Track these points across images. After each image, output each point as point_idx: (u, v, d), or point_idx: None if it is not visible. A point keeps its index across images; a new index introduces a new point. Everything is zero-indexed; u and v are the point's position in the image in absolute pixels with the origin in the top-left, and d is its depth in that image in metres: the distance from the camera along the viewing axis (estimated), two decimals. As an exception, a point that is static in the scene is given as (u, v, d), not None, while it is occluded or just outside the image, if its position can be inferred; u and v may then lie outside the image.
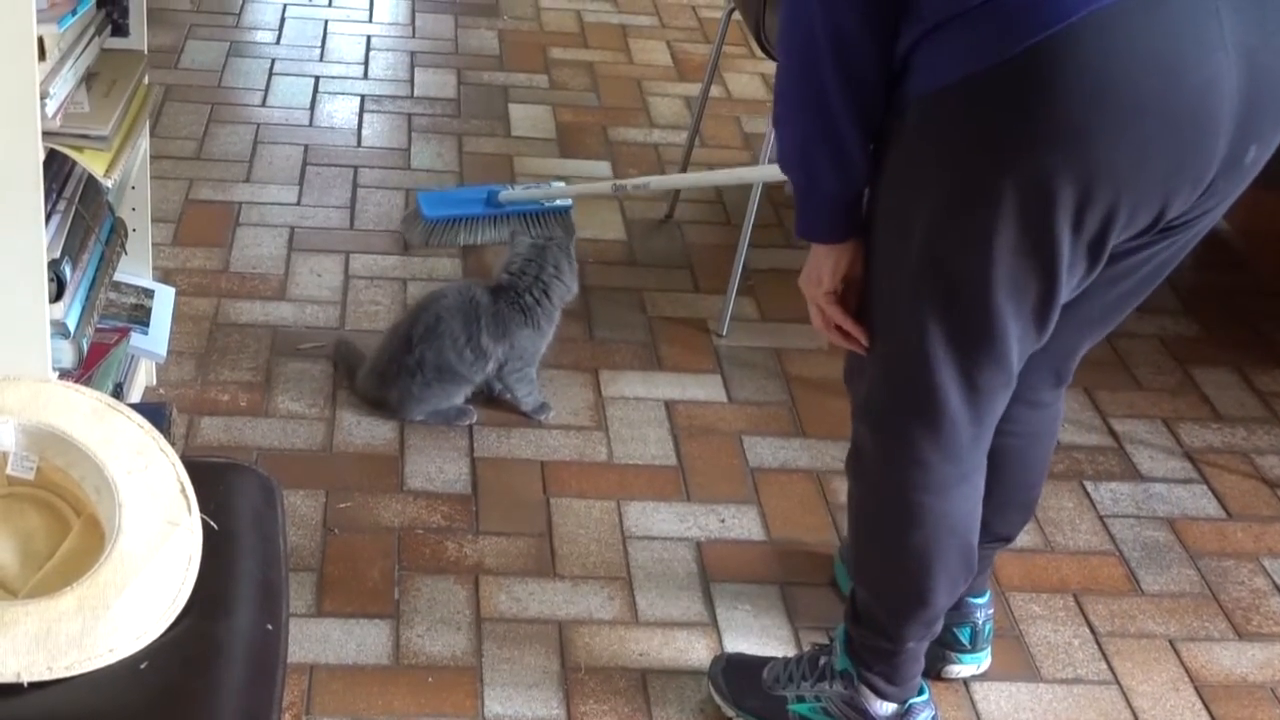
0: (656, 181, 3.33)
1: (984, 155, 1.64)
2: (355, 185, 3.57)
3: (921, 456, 1.88)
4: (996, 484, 2.03)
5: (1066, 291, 1.74)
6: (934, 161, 1.68)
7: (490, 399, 2.83)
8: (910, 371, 1.82)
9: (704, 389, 2.97)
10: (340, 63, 4.19)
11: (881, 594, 2.04)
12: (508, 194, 3.36)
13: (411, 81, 4.12)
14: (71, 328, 2.16)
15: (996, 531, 2.16)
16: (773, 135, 3.00)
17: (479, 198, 3.37)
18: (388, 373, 2.75)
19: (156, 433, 1.64)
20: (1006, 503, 2.13)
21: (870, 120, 1.72)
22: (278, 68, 4.11)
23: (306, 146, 3.72)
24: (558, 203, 3.37)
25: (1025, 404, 2.01)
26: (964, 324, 1.76)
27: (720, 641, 2.36)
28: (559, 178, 3.55)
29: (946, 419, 1.84)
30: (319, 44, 4.26)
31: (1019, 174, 1.62)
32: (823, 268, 1.86)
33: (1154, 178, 1.64)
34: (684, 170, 3.57)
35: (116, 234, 2.50)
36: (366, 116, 3.91)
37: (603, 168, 3.76)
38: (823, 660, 2.15)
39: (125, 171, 2.45)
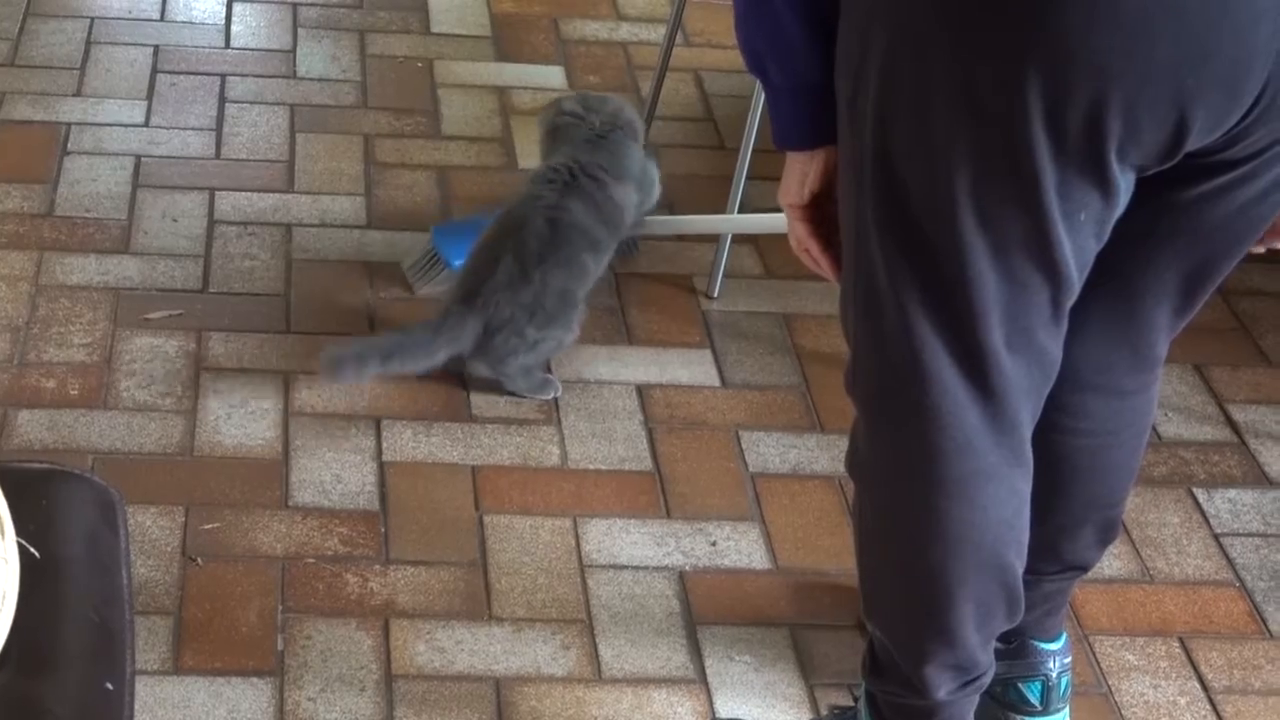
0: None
1: (921, 30, 1.66)
2: (223, 100, 3.57)
3: (925, 443, 1.87)
4: (1061, 497, 2.04)
5: (1067, 229, 1.71)
6: (874, 38, 1.70)
7: (424, 377, 2.83)
8: (883, 321, 1.82)
9: (689, 369, 2.98)
10: (201, -66, 4.18)
11: (895, 632, 2.05)
12: None
13: (297, -41, 4.12)
14: None
15: (1067, 559, 2.17)
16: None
17: None
18: (493, 320, 2.77)
19: (-44, 431, 1.65)
20: (1077, 522, 2.13)
21: None
22: (117, -59, 4.11)
23: (157, 48, 3.72)
24: None
25: (1095, 391, 2.01)
26: (931, 256, 1.76)
27: (710, 703, 2.38)
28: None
29: (940, 392, 1.83)
30: (172, -91, 4.25)
31: (968, 56, 1.64)
32: (791, 176, 1.94)
33: (1157, 70, 1.61)
34: (661, 76, 3.56)
35: (-99, 166, 2.51)
36: (237, 7, 3.90)
37: (553, 74, 3.76)
38: (845, 727, 2.16)
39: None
